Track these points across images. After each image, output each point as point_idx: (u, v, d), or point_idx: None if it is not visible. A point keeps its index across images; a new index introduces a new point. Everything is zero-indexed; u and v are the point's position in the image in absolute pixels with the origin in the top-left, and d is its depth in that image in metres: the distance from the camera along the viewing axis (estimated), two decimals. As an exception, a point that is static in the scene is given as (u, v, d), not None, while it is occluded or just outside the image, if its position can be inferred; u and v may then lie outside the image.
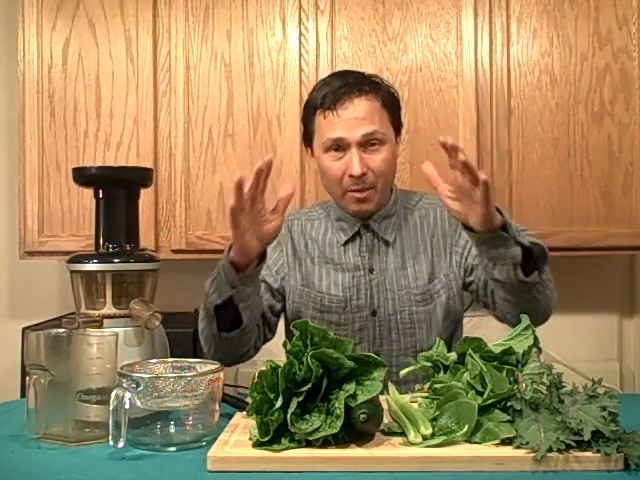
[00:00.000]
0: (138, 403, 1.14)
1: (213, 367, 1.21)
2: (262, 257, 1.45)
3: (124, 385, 1.14)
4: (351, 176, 1.59)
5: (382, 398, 1.16)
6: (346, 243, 1.69)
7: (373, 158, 1.60)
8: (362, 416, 1.10)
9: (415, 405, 1.20)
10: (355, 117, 1.59)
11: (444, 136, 1.31)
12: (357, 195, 1.62)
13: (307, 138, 1.70)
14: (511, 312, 1.53)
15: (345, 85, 1.62)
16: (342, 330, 1.65)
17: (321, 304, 1.68)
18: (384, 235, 1.68)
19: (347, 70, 1.81)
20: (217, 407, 1.20)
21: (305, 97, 1.76)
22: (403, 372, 1.35)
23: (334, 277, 1.68)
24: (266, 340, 1.67)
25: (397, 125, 1.68)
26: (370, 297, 1.66)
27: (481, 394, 1.15)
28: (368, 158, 1.60)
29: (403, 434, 1.13)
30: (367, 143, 1.60)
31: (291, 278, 1.71)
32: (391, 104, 1.66)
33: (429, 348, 1.59)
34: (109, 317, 1.45)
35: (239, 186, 1.33)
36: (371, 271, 1.67)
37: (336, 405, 1.09)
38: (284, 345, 1.16)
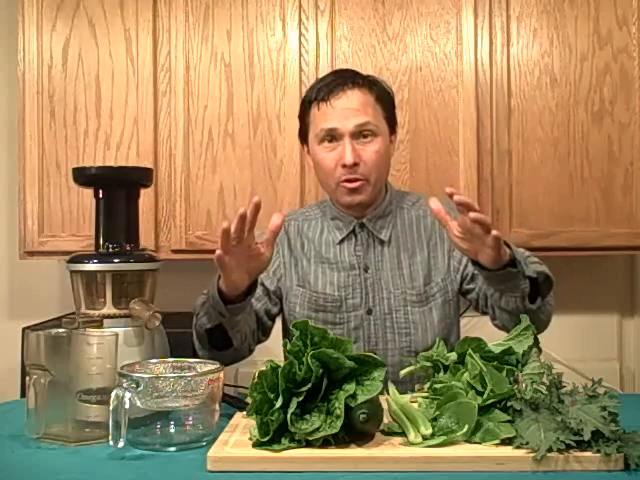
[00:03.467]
0: (138, 403, 1.14)
1: (213, 367, 1.21)
2: (252, 286, 1.45)
3: (124, 385, 1.14)
4: (344, 166, 1.60)
5: (382, 398, 1.16)
6: (341, 242, 1.70)
7: (366, 150, 1.61)
8: (362, 416, 1.10)
9: (415, 405, 1.20)
10: (348, 107, 1.61)
11: (450, 188, 1.30)
12: (349, 185, 1.62)
13: (303, 134, 1.72)
14: (511, 325, 1.53)
15: (339, 78, 1.65)
16: (338, 329, 1.65)
17: (316, 304, 1.68)
18: (379, 234, 1.69)
19: (343, 68, 1.84)
20: (217, 407, 1.20)
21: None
22: (403, 372, 1.35)
23: (330, 276, 1.68)
24: (259, 342, 1.68)
25: (391, 122, 1.69)
26: (365, 296, 1.66)
27: (481, 394, 1.15)
28: (361, 149, 1.61)
29: (403, 434, 1.13)
30: (360, 134, 1.61)
31: (287, 279, 1.71)
32: (385, 100, 1.67)
33: (424, 348, 1.61)
34: (109, 317, 1.45)
35: (226, 233, 1.31)
36: (366, 270, 1.67)
37: (336, 405, 1.09)
38: (284, 345, 1.16)
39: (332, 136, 1.62)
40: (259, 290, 1.65)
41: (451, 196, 1.30)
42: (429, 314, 1.66)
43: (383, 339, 1.66)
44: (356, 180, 1.62)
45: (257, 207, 1.33)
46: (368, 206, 1.68)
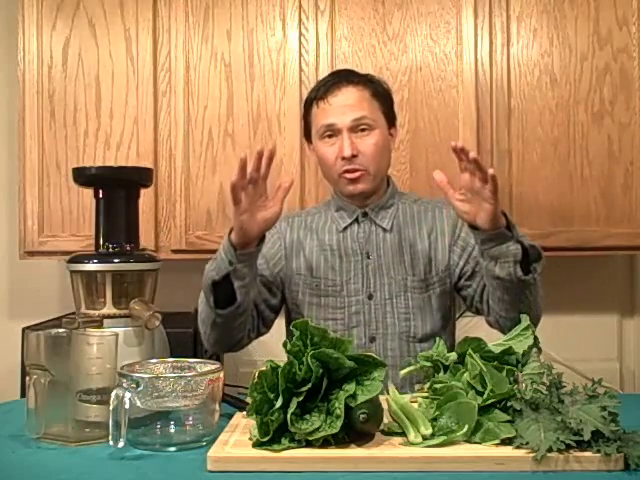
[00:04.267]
0: (138, 403, 1.14)
1: (213, 367, 1.21)
2: (260, 241, 1.53)
3: (124, 385, 1.14)
4: (343, 158, 1.68)
5: (382, 398, 1.16)
6: (345, 230, 1.76)
7: (364, 142, 1.69)
8: (362, 416, 1.10)
9: (415, 405, 1.20)
10: (345, 104, 1.70)
11: (454, 141, 1.42)
12: (349, 176, 1.71)
13: (307, 133, 1.81)
14: (504, 315, 1.58)
15: (335, 78, 1.75)
16: (339, 313, 1.71)
17: (317, 289, 1.73)
18: (381, 223, 1.75)
19: (340, 69, 1.94)
20: (217, 407, 1.20)
21: (305, 97, 1.80)
22: (403, 372, 1.35)
23: (332, 262, 1.74)
24: (260, 334, 1.73)
25: (389, 116, 1.77)
26: (366, 281, 1.71)
27: (481, 394, 1.15)
28: (359, 142, 1.69)
29: (403, 434, 1.13)
30: (357, 128, 1.69)
31: (288, 269, 1.77)
32: (382, 96, 1.76)
33: (423, 334, 1.70)
34: (109, 317, 1.45)
35: (243, 164, 1.43)
36: (368, 256, 1.73)
37: (336, 405, 1.09)
38: (284, 345, 1.16)
39: (331, 131, 1.70)
40: (258, 280, 1.68)
41: (454, 149, 1.41)
42: (428, 301, 1.71)
43: (383, 324, 1.70)
44: (355, 170, 1.70)
45: (272, 153, 1.45)
46: (369, 196, 1.76)
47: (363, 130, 1.69)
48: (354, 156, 1.67)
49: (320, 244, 1.76)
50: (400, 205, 1.79)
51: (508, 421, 1.11)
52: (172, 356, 1.47)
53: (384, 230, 1.75)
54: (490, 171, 1.40)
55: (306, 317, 1.67)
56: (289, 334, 1.51)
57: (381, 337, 1.69)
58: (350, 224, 1.76)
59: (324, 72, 2.33)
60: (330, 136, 1.71)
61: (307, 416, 1.10)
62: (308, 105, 1.77)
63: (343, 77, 1.74)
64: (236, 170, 1.43)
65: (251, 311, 1.64)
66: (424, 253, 1.72)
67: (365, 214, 1.76)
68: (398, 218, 1.77)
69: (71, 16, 2.46)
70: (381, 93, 1.75)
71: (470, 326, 1.79)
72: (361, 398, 1.10)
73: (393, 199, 1.79)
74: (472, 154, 1.40)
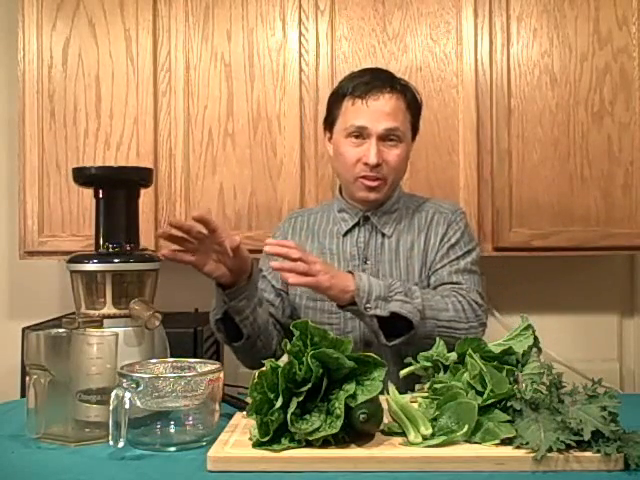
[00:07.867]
0: (138, 403, 1.14)
1: (213, 367, 1.21)
2: (250, 275, 1.54)
3: (124, 385, 1.14)
4: (366, 164, 1.67)
5: (382, 398, 1.16)
6: (346, 234, 1.76)
7: (390, 152, 1.69)
8: (362, 416, 1.10)
9: (415, 405, 1.20)
10: (382, 110, 1.67)
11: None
12: (368, 183, 1.70)
13: (329, 122, 1.78)
14: None
15: (378, 80, 1.71)
16: (335, 318, 1.71)
17: (314, 293, 1.70)
18: (382, 229, 1.75)
19: (379, 68, 1.88)
20: (217, 407, 1.20)
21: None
22: (403, 372, 1.35)
23: None
24: None
25: (415, 128, 1.77)
26: None
27: (481, 394, 1.15)
28: (385, 151, 1.68)
29: (403, 434, 1.13)
30: (387, 137, 1.68)
31: None
32: (414, 107, 1.75)
33: None
34: (109, 317, 1.44)
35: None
36: (365, 261, 1.73)
37: (336, 405, 1.09)
38: (284, 345, 1.16)
39: (360, 133, 1.68)
40: (272, 294, 1.73)
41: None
42: None
43: None
44: (376, 179, 1.69)
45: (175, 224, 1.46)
46: (380, 204, 1.76)
47: (391, 140, 1.68)
48: (378, 165, 1.67)
49: (320, 247, 1.76)
50: (404, 210, 1.78)
51: (508, 421, 1.11)
52: (172, 356, 1.47)
53: (384, 236, 1.74)
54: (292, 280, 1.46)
55: None
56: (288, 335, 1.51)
57: (377, 342, 1.68)
58: (351, 228, 1.76)
59: (324, 72, 2.34)
60: (357, 137, 1.69)
61: (307, 416, 1.10)
62: (340, 97, 1.72)
63: (387, 82, 1.70)
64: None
65: (272, 330, 1.67)
66: (418, 257, 1.73)
67: (367, 218, 1.75)
68: (400, 224, 1.76)
69: (71, 16, 2.46)
70: (414, 105, 1.74)
71: (470, 326, 1.79)
72: (361, 398, 1.10)
73: (398, 204, 1.78)
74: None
